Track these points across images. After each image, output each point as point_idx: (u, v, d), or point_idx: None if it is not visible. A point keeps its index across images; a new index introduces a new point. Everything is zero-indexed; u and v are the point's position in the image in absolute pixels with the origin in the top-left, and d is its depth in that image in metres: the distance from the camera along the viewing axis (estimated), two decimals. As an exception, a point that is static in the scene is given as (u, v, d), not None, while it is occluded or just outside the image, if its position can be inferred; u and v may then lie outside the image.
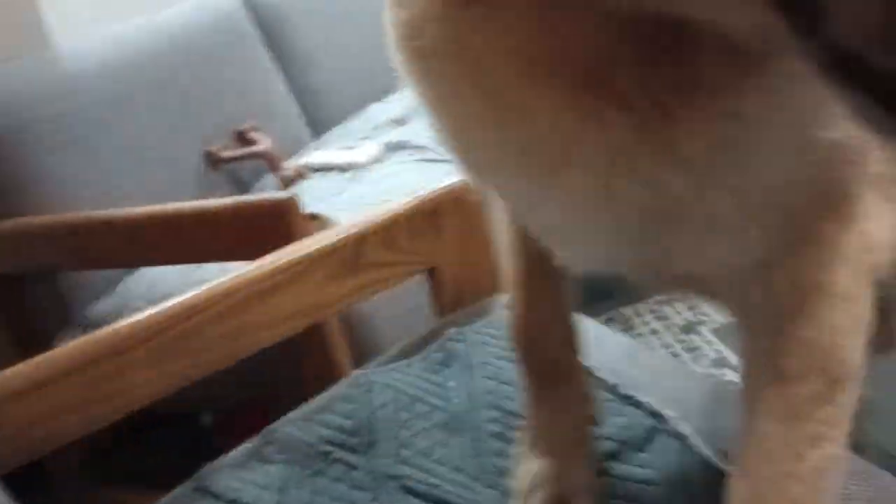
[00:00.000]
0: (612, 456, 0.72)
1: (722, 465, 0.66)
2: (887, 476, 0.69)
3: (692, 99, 0.39)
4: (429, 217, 1.03)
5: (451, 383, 0.87)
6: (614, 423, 0.76)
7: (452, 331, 0.95)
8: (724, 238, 0.46)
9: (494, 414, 0.80)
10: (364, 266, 0.97)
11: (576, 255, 0.55)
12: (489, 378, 0.86)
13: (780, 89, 0.39)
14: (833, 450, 0.52)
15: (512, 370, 0.86)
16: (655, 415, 0.75)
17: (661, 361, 0.88)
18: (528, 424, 0.73)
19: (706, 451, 0.69)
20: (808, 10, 0.28)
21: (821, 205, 0.47)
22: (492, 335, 0.94)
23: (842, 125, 0.42)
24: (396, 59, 0.49)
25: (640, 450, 0.72)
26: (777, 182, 0.44)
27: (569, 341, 0.71)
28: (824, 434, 0.51)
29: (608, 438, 0.74)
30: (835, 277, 0.49)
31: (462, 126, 0.46)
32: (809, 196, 0.46)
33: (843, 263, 0.49)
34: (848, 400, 0.52)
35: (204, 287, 0.83)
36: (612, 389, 0.79)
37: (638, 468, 0.71)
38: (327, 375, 0.97)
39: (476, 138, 0.46)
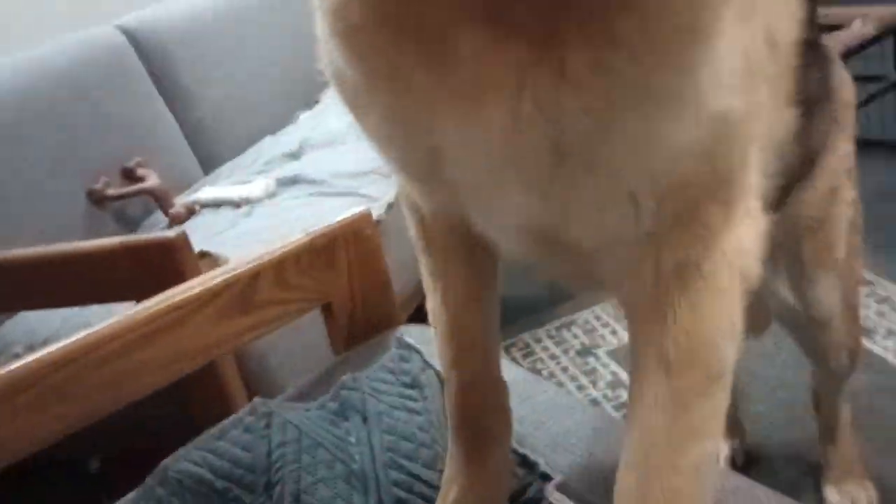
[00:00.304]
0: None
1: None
2: (762, 489, 0.72)
3: (578, 23, 0.42)
4: (322, 252, 1.02)
5: (352, 439, 0.84)
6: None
7: (346, 377, 0.93)
8: (619, 200, 0.49)
9: (398, 476, 0.79)
10: (256, 304, 0.95)
11: (489, 212, 0.57)
12: (388, 433, 0.84)
13: (657, 30, 0.42)
14: (712, 446, 0.55)
15: (410, 422, 0.85)
16: (545, 477, 0.76)
17: (553, 396, 0.89)
18: (451, 482, 0.73)
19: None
20: None
21: (708, 181, 0.50)
22: (383, 381, 0.93)
23: (730, 99, 0.46)
24: (332, 47, 0.52)
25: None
26: (666, 134, 0.46)
27: (501, 396, 0.74)
28: (704, 428, 0.55)
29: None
30: (717, 269, 0.52)
31: (396, 88, 0.48)
32: (697, 167, 0.48)
33: (723, 259, 0.52)
34: (724, 396, 0.56)
35: (86, 331, 0.79)
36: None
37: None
38: (220, 416, 0.94)
39: (411, 95, 0.48)
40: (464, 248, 0.69)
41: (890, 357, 1.63)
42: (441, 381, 0.88)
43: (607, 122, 0.44)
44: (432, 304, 0.73)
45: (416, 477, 0.79)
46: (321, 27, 0.54)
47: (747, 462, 1.45)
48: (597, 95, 0.43)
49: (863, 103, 2.41)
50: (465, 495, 0.72)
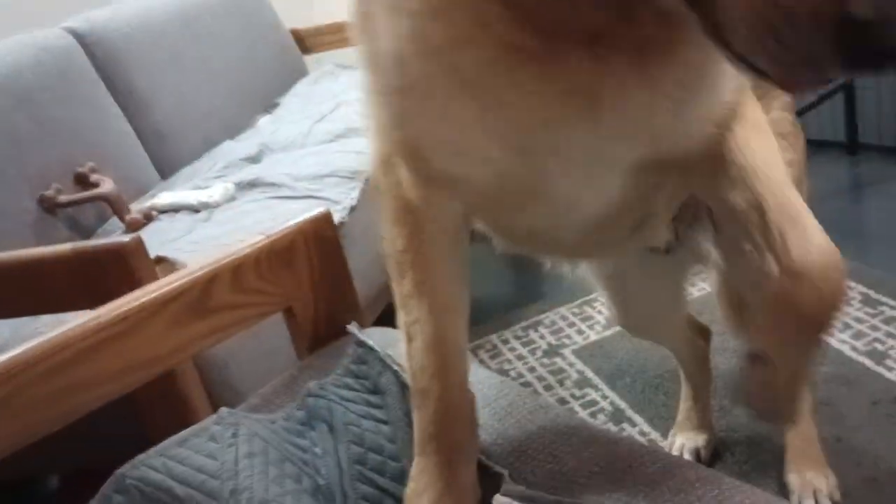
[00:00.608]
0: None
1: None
2: (728, 479, 0.71)
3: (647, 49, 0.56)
4: (281, 254, 0.99)
5: (318, 450, 0.82)
6: None
7: (312, 384, 0.90)
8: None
9: (366, 490, 0.77)
10: (213, 309, 0.92)
11: (569, 205, 0.70)
12: (355, 444, 0.82)
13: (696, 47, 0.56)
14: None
15: (377, 433, 0.83)
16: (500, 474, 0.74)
17: (516, 398, 0.87)
18: (419, 496, 0.72)
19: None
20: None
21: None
22: (348, 387, 0.90)
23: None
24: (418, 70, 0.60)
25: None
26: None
27: (472, 409, 0.76)
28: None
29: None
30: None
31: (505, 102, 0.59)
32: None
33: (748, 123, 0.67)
34: None
35: (35, 341, 0.76)
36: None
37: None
38: (183, 427, 0.91)
39: (522, 106, 0.59)
40: (453, 259, 0.74)
41: (846, 350, 1.64)
42: (400, 386, 0.87)
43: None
44: (412, 318, 0.74)
45: (385, 491, 0.77)
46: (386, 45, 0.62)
47: (713, 456, 1.45)
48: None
49: (814, 104, 2.45)
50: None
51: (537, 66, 0.56)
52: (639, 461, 0.73)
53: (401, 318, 0.75)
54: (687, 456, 1.44)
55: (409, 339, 0.74)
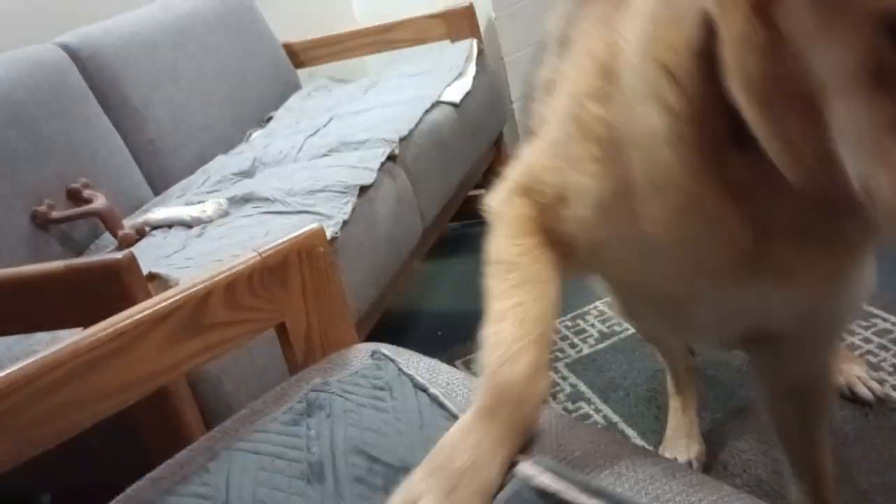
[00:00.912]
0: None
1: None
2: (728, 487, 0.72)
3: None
4: (274, 270, 0.99)
5: (312, 432, 0.84)
6: None
7: (317, 381, 0.92)
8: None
9: (357, 460, 0.78)
10: (207, 326, 0.92)
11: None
12: (353, 426, 0.83)
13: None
14: None
15: (376, 417, 0.84)
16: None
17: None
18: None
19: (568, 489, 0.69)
20: None
21: None
22: (354, 383, 0.92)
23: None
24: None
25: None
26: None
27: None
28: None
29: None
30: None
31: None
32: None
33: None
34: None
35: (29, 359, 0.76)
36: None
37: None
38: (176, 444, 0.91)
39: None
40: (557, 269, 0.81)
41: (843, 361, 1.65)
42: (414, 387, 0.88)
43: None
44: (513, 302, 0.78)
45: (378, 459, 0.77)
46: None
47: (705, 468, 1.45)
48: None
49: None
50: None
51: (742, 237, 0.66)
52: (642, 460, 0.73)
53: (497, 307, 0.78)
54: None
55: (503, 319, 0.77)
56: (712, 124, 0.63)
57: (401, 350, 0.99)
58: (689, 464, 1.45)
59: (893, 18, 0.47)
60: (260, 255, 0.99)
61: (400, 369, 0.92)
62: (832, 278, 0.73)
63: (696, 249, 0.70)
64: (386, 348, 0.98)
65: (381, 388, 0.89)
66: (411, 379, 0.90)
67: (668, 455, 1.48)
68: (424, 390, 0.88)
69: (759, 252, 0.67)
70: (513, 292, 0.78)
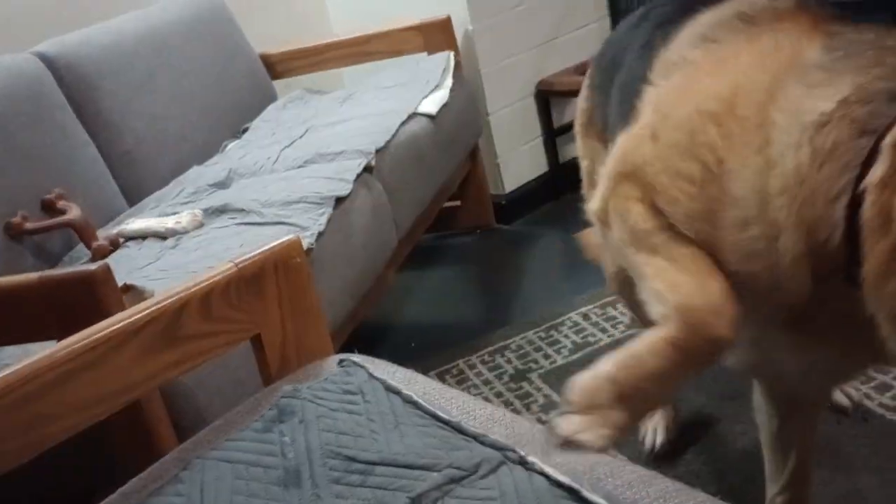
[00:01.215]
0: (456, 481, 0.73)
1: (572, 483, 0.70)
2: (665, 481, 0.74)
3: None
4: (250, 282, 1.00)
5: (286, 438, 0.85)
6: (458, 456, 0.76)
7: (286, 388, 0.92)
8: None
9: (333, 462, 0.79)
10: (182, 338, 0.93)
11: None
12: (326, 430, 0.84)
13: None
14: None
15: (350, 420, 0.84)
16: (502, 449, 0.76)
17: (493, 411, 0.89)
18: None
19: (554, 472, 0.71)
20: None
21: None
22: (327, 390, 0.92)
23: None
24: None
25: (484, 477, 0.74)
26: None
27: None
28: None
29: (455, 467, 0.75)
30: None
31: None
32: None
33: None
34: None
35: (2, 373, 0.76)
36: (459, 427, 0.80)
37: (482, 490, 0.72)
38: (149, 459, 0.91)
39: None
40: None
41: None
42: (387, 390, 0.89)
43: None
44: (680, 251, 0.82)
45: (355, 459, 0.78)
46: None
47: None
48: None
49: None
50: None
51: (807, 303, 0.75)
52: (620, 469, 0.75)
53: (657, 262, 0.83)
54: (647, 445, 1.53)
55: (670, 267, 0.81)
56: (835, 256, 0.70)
57: (373, 359, 1.00)
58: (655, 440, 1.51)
59: None
60: (236, 266, 0.99)
61: (370, 374, 0.93)
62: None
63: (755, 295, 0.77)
64: (356, 357, 0.99)
65: (353, 393, 0.90)
66: (383, 383, 0.90)
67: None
68: (398, 392, 0.88)
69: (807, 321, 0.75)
70: (672, 245, 0.81)
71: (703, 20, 0.90)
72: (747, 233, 0.76)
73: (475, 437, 0.78)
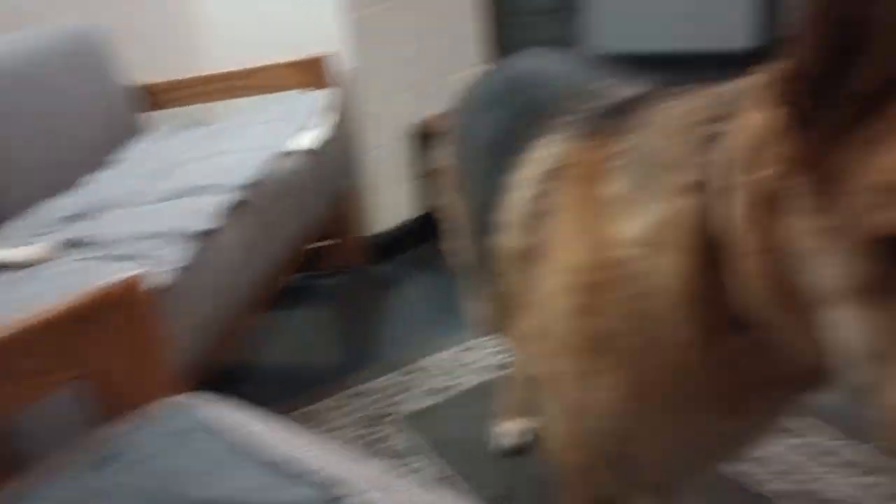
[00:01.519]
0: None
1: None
2: None
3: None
4: (83, 319, 0.96)
5: (109, 482, 0.82)
6: (276, 496, 0.75)
7: (114, 430, 0.89)
8: None
9: None
10: (6, 377, 0.88)
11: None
12: (151, 473, 0.82)
13: None
14: None
15: (174, 463, 0.82)
16: (322, 488, 0.75)
17: (326, 452, 0.89)
18: None
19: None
20: None
21: None
22: (156, 432, 0.89)
23: None
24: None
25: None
26: None
27: None
28: None
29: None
30: None
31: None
32: None
33: None
34: None
35: None
36: (280, 469, 0.79)
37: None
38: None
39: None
40: None
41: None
42: (215, 434, 0.86)
43: None
44: None
45: (175, 502, 0.76)
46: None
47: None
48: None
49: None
50: None
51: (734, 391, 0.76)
52: None
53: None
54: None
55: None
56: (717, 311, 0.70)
57: (211, 400, 0.97)
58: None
59: (891, 237, 0.49)
60: (68, 302, 0.96)
61: (201, 416, 0.91)
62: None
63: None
64: (190, 399, 0.96)
65: (180, 434, 0.88)
66: (211, 425, 0.88)
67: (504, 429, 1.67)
68: (223, 434, 0.87)
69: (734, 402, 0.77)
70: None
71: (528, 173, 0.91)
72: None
73: (298, 478, 0.77)
